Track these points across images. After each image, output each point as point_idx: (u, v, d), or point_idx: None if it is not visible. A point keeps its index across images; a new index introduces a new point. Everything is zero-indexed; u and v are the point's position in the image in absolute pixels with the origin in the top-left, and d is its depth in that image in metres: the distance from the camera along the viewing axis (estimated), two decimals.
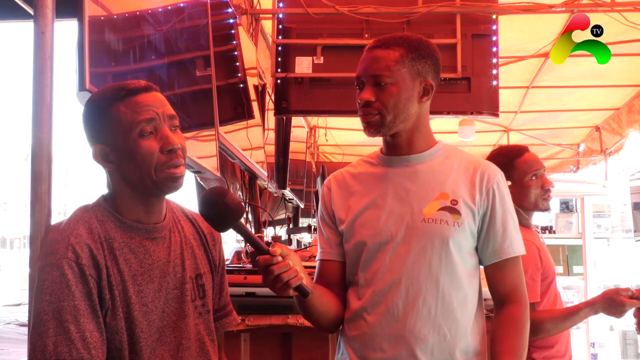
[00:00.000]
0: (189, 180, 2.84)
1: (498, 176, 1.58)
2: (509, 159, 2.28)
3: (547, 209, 2.38)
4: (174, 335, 1.35)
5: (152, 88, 1.33)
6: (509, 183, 2.22)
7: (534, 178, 2.29)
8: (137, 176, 1.30)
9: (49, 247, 1.24)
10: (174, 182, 1.32)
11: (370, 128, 1.54)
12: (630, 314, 2.17)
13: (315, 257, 1.70)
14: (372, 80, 1.52)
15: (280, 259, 1.31)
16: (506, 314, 1.56)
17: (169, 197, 1.41)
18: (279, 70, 3.31)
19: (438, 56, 1.58)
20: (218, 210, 1.29)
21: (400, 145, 1.58)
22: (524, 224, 2.13)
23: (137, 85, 1.31)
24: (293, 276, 1.32)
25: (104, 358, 1.23)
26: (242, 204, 1.62)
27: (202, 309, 1.42)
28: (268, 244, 1.35)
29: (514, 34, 3.98)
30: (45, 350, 1.17)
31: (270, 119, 4.06)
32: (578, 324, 2.24)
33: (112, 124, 1.29)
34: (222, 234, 1.56)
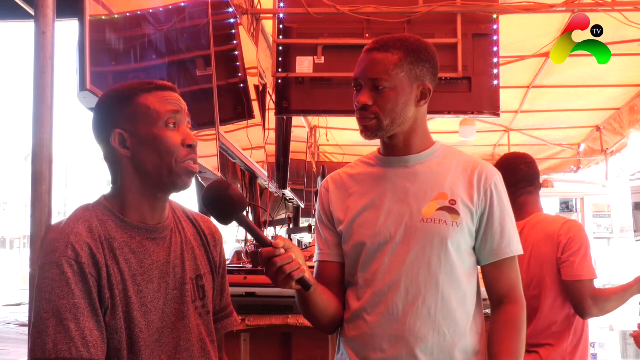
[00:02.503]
0: None
1: (496, 176, 1.58)
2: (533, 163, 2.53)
3: None
4: (173, 337, 1.35)
5: (176, 90, 1.38)
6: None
7: None
8: (154, 165, 1.31)
9: (49, 245, 1.24)
10: (189, 177, 1.34)
11: (367, 131, 1.54)
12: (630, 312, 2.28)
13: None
14: (370, 84, 1.51)
15: (283, 251, 1.32)
16: (504, 313, 1.56)
17: (171, 197, 1.41)
18: (279, 70, 3.31)
19: (436, 59, 1.57)
20: (221, 202, 1.29)
21: (397, 146, 1.58)
22: None
23: (164, 83, 1.37)
24: (296, 268, 1.32)
25: (104, 357, 1.23)
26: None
27: (202, 310, 1.42)
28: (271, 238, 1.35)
29: (515, 29, 3.97)
30: (45, 348, 1.17)
31: (271, 118, 4.06)
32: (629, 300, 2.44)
33: (137, 110, 1.31)
34: (222, 234, 1.56)
